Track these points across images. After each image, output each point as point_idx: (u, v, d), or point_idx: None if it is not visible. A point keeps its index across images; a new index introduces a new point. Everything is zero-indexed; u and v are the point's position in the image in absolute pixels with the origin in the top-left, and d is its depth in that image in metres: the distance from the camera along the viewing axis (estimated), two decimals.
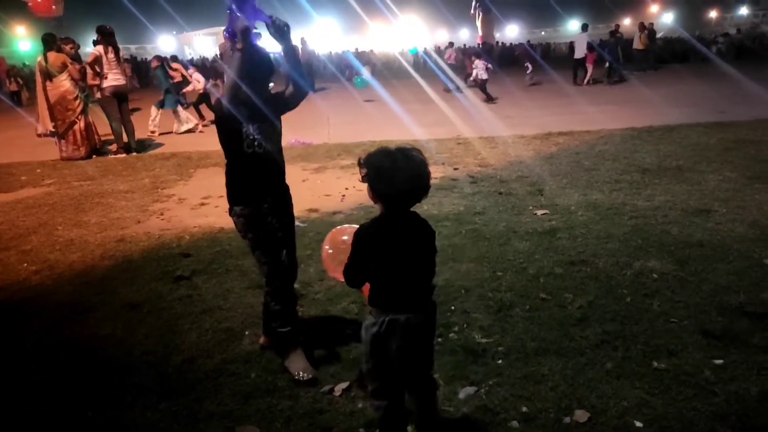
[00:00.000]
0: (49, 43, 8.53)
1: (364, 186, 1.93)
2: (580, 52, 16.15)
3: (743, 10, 50.59)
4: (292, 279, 2.84)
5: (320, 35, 38.89)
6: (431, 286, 2.01)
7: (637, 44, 18.96)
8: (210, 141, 7.58)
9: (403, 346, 1.94)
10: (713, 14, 54.93)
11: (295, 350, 2.72)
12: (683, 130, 8.14)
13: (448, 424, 2.30)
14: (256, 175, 2.61)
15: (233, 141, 2.55)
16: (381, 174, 1.86)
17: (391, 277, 1.94)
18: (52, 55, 8.45)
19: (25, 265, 4.38)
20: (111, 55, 8.62)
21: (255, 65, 2.49)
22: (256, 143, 2.54)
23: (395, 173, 1.85)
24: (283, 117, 2.71)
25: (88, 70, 8.66)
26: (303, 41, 18.99)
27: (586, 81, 16.07)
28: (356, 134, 9.30)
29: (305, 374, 2.63)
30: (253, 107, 2.51)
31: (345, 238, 2.37)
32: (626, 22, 39.80)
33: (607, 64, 16.80)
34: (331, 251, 2.46)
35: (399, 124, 10.19)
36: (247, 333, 3.11)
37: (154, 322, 3.32)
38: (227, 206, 2.72)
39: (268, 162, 2.62)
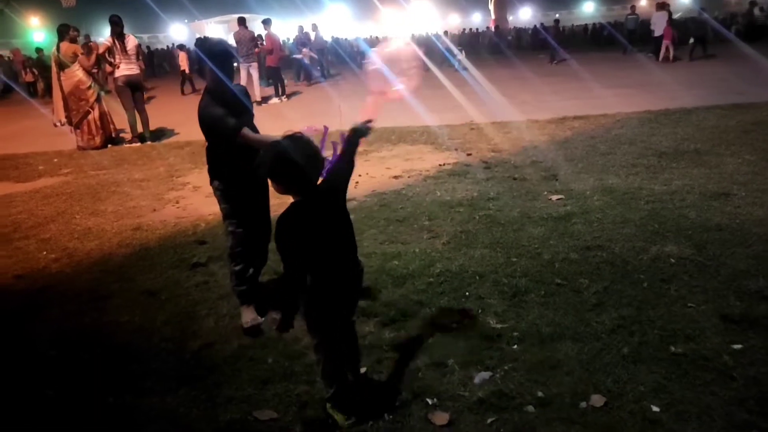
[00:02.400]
0: (62, 33, 8.59)
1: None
2: (659, 30, 16.24)
3: None
4: (263, 245, 3.12)
5: (331, 22, 38.72)
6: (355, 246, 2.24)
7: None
8: None
9: (335, 305, 2.18)
10: None
11: (247, 306, 3.10)
12: (701, 113, 8.00)
13: (464, 409, 2.31)
14: (238, 156, 2.83)
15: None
16: (282, 164, 2.04)
17: (324, 251, 2.12)
18: (64, 45, 8.51)
19: (45, 253, 4.45)
20: (129, 45, 8.65)
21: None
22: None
23: (293, 157, 2.03)
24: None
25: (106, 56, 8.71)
26: (315, 27, 18.93)
27: (662, 57, 15.97)
28: None
29: (249, 322, 3.02)
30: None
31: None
32: (642, 2, 39.02)
33: (691, 40, 16.55)
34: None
35: (410, 110, 10.11)
36: (263, 318, 3.14)
37: (172, 309, 3.36)
38: None
39: (250, 147, 2.76)
